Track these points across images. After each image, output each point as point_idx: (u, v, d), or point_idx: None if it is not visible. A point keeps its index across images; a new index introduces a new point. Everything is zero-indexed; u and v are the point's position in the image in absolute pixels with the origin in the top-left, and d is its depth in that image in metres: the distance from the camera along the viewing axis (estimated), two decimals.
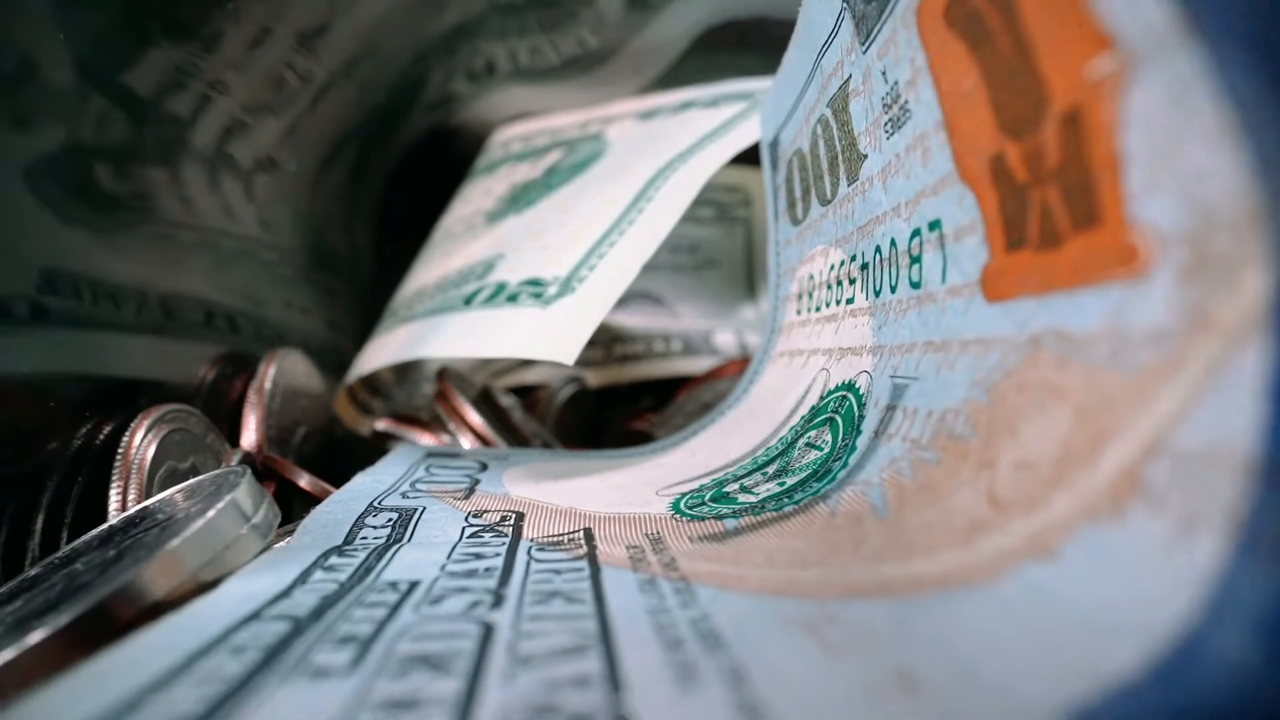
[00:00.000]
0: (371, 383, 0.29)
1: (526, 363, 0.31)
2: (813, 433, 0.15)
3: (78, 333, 0.22)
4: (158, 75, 0.25)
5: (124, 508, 0.17)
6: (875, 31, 0.13)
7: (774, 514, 0.13)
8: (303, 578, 0.11)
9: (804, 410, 0.17)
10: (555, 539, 0.13)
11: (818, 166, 0.17)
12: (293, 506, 0.21)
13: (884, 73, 0.13)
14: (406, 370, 0.32)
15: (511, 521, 0.14)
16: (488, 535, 0.13)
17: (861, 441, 0.13)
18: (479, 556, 0.12)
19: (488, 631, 0.09)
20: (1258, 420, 0.06)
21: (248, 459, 0.20)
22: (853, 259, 0.16)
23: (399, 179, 0.37)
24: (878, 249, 0.14)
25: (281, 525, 0.14)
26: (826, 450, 0.14)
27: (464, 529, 0.14)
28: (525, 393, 0.31)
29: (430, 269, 0.28)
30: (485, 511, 0.15)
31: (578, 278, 0.21)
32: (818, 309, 0.18)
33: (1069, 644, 0.07)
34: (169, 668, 0.08)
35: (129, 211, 0.25)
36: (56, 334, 0.21)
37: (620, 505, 0.15)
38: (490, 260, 0.24)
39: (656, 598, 0.10)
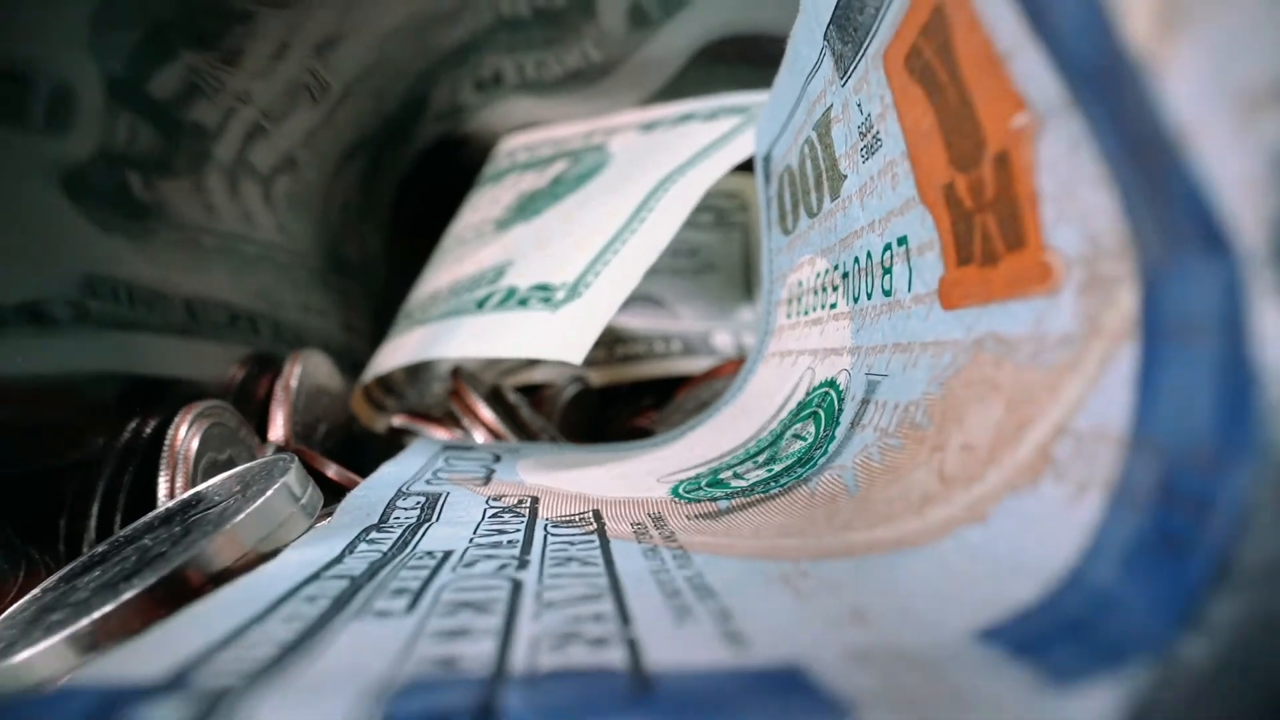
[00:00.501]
0: (385, 382, 0.31)
1: (533, 362, 0.33)
2: (798, 425, 0.17)
3: (118, 334, 0.24)
4: (184, 88, 0.26)
5: (172, 495, 0.19)
6: (851, 69, 0.15)
7: (761, 495, 0.15)
8: (349, 548, 0.13)
9: (792, 405, 0.18)
10: (568, 518, 0.15)
11: (805, 183, 0.19)
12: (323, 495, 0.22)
13: (859, 105, 0.15)
14: (418, 370, 0.33)
15: (528, 504, 0.16)
16: (507, 515, 0.15)
17: (840, 432, 0.15)
18: (501, 532, 0.14)
19: (517, 586, 0.11)
20: (1129, 405, 0.08)
21: (279, 451, 0.22)
22: (835, 268, 0.18)
23: (409, 186, 0.39)
24: (856, 260, 0.16)
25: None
26: (809, 440, 0.16)
27: (485, 510, 0.16)
28: (531, 391, 0.33)
29: (442, 274, 0.30)
30: (503, 496, 0.17)
31: (584, 283, 0.22)
32: (805, 313, 0.20)
33: (986, 585, 0.09)
34: (257, 611, 0.10)
35: (160, 219, 0.26)
36: (99, 335, 0.23)
37: (624, 491, 0.17)
38: (501, 266, 0.26)
39: (658, 561, 0.12)
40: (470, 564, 0.12)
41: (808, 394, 0.18)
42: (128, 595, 0.12)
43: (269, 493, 0.14)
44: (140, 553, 0.14)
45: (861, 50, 0.14)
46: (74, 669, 0.12)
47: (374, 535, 0.14)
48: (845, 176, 0.16)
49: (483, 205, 0.33)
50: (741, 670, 0.07)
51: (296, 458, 0.15)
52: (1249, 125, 0.06)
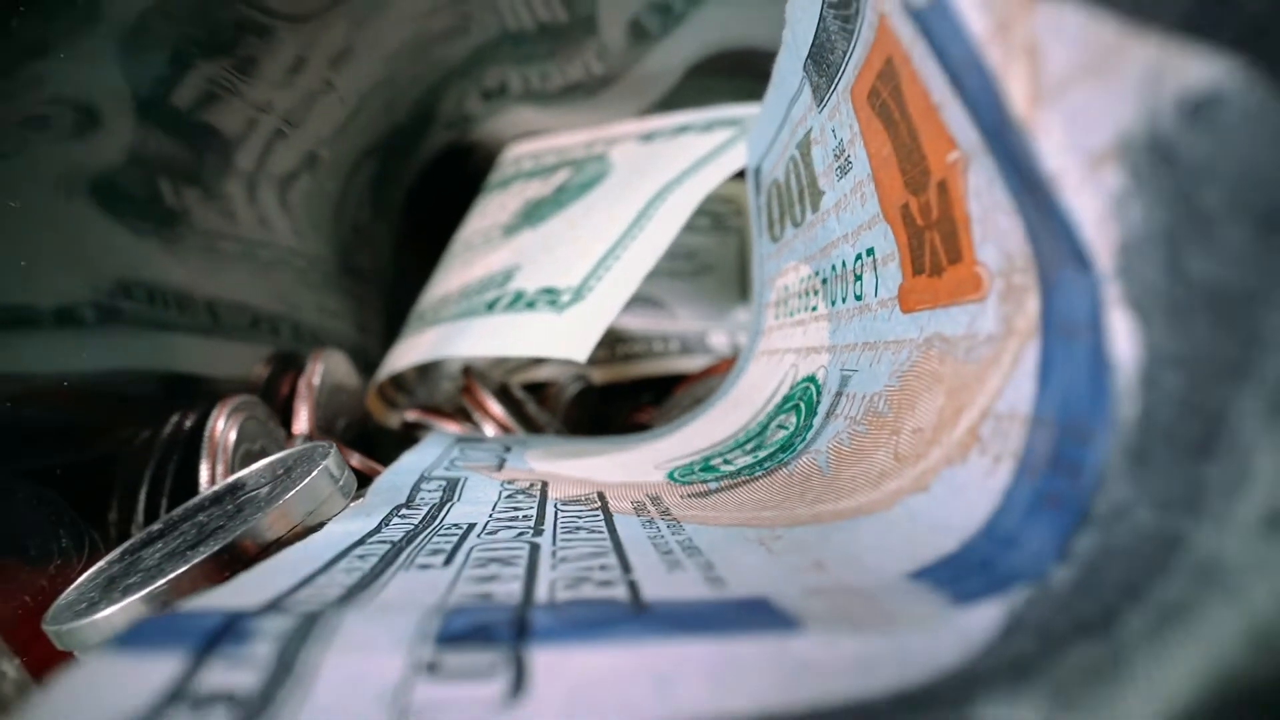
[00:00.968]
0: (398, 380, 0.33)
1: (538, 361, 0.35)
2: (782, 416, 0.19)
3: (154, 334, 0.26)
4: (208, 100, 0.29)
5: (213, 481, 0.21)
6: (826, 99, 0.17)
7: (747, 478, 0.17)
8: (385, 521, 0.15)
9: (777, 399, 0.21)
10: (575, 498, 0.17)
11: (790, 195, 0.21)
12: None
13: (833, 130, 0.17)
14: (428, 369, 0.36)
15: (539, 487, 0.18)
16: (521, 496, 0.17)
17: (817, 421, 0.17)
18: (516, 509, 0.16)
19: (534, 547, 0.13)
20: (1032, 392, 0.10)
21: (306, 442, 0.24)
22: (816, 274, 0.20)
23: (418, 191, 0.41)
24: (833, 267, 0.18)
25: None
26: (791, 430, 0.18)
27: (501, 492, 0.18)
28: (537, 389, 0.35)
29: (452, 277, 0.32)
30: (516, 480, 0.19)
31: (588, 287, 0.25)
32: (791, 314, 0.22)
33: (921, 539, 0.11)
34: (318, 566, 0.12)
35: (188, 225, 0.29)
36: (137, 335, 0.25)
37: (625, 476, 0.19)
38: (509, 270, 0.28)
39: (654, 530, 0.14)
40: (493, 532, 0.14)
41: (791, 388, 0.20)
42: (196, 560, 0.14)
43: (313, 474, 0.16)
44: (198, 528, 0.16)
45: (834, 84, 0.16)
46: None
47: (404, 512, 0.16)
48: (823, 192, 0.18)
49: (490, 211, 0.35)
50: (719, 600, 0.10)
51: (334, 445, 0.17)
52: (1095, 175, 0.08)
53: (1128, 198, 0.08)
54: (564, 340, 0.23)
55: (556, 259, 0.27)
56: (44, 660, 0.16)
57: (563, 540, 0.13)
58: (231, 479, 0.19)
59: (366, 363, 0.35)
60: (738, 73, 0.36)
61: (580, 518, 0.15)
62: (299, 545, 0.13)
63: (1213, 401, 0.07)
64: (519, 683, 0.08)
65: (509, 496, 0.17)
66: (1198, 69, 0.07)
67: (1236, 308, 0.07)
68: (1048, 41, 0.08)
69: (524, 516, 0.15)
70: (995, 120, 0.09)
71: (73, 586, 0.17)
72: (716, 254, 0.41)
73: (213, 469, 0.21)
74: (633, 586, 0.10)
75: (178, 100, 0.27)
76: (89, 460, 0.22)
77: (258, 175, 0.32)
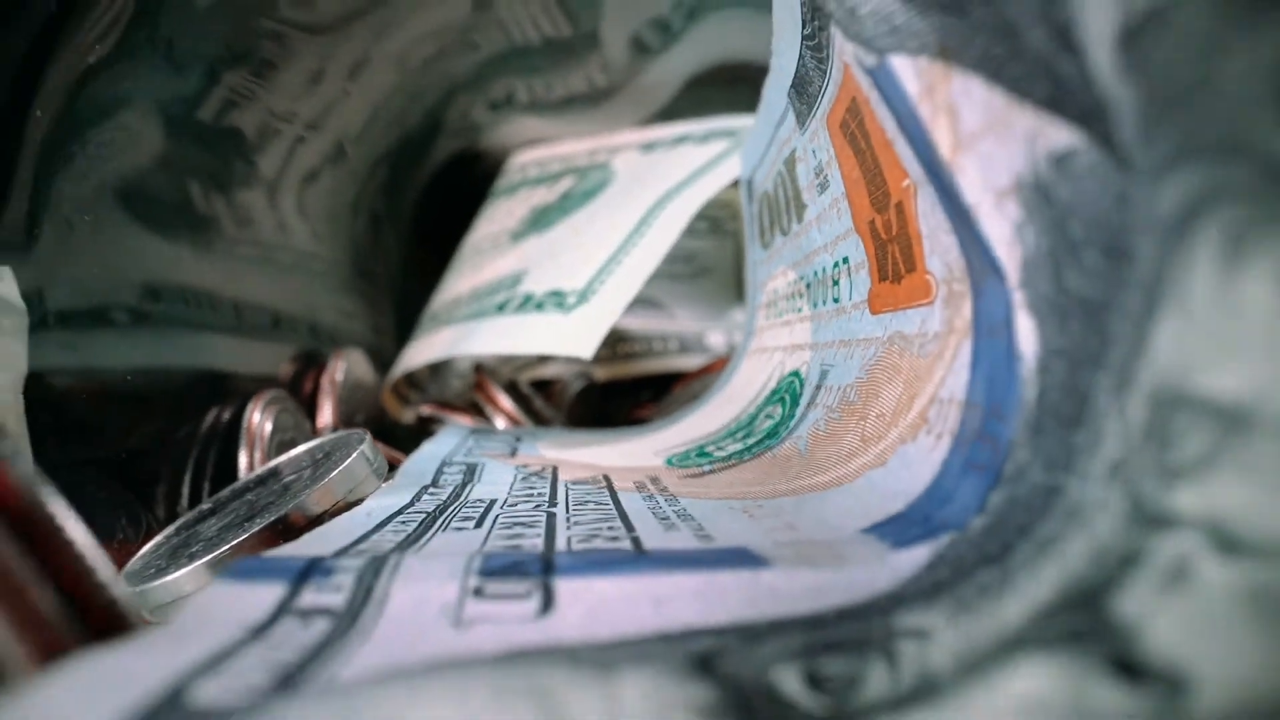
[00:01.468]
0: (411, 378, 0.36)
1: (544, 359, 0.38)
2: (770, 407, 0.22)
3: (190, 333, 0.28)
4: (236, 111, 0.31)
5: (251, 467, 0.23)
6: (807, 123, 0.19)
7: (736, 461, 0.19)
8: (416, 497, 0.17)
9: (766, 392, 0.23)
10: (583, 479, 0.19)
11: (778, 207, 0.24)
12: None
13: (814, 152, 0.19)
14: (439, 367, 0.38)
15: (550, 471, 0.20)
16: (534, 478, 0.20)
17: (799, 411, 0.20)
18: (531, 488, 0.18)
19: (550, 516, 0.15)
20: (966, 380, 0.13)
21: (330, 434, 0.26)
22: (801, 279, 0.22)
23: (427, 197, 0.43)
24: (815, 273, 0.21)
25: None
26: (777, 419, 0.21)
27: (515, 474, 0.20)
28: (543, 386, 0.38)
29: (463, 280, 0.35)
30: (528, 465, 0.21)
31: (592, 290, 0.27)
32: (779, 315, 0.24)
33: (877, 504, 0.13)
34: (366, 530, 0.14)
35: (215, 230, 0.31)
36: (173, 334, 0.28)
37: (628, 462, 0.22)
38: (517, 274, 0.31)
39: (654, 503, 0.16)
40: (513, 505, 0.16)
41: (778, 383, 0.22)
42: (254, 530, 0.17)
43: (351, 457, 0.18)
44: (248, 505, 0.19)
45: (813, 111, 0.18)
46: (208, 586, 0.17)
47: (431, 490, 0.18)
48: (806, 205, 0.21)
49: (497, 217, 0.38)
50: (706, 549, 0.12)
51: (368, 432, 0.20)
52: (1001, 207, 0.11)
53: (1024, 225, 0.10)
54: (570, 339, 0.25)
55: (563, 263, 0.29)
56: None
57: (574, 510, 0.16)
58: (271, 464, 0.21)
59: (380, 361, 0.37)
60: (733, 84, 0.38)
61: (588, 495, 0.17)
62: (346, 515, 0.16)
63: (1082, 384, 0.10)
64: (547, 603, 0.10)
65: (524, 479, 0.20)
66: (1058, 133, 0.09)
67: (1096, 313, 0.09)
68: (961, 104, 0.10)
69: (539, 494, 0.18)
70: (930, 159, 0.12)
71: (137, 557, 0.19)
72: (714, 257, 0.43)
73: (251, 456, 0.23)
74: (635, 541, 0.13)
75: (205, 111, 0.30)
76: (137, 450, 0.24)
77: (279, 182, 0.35)
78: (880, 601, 0.10)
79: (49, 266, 0.19)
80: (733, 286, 0.43)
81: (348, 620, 0.10)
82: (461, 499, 0.17)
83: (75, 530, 0.09)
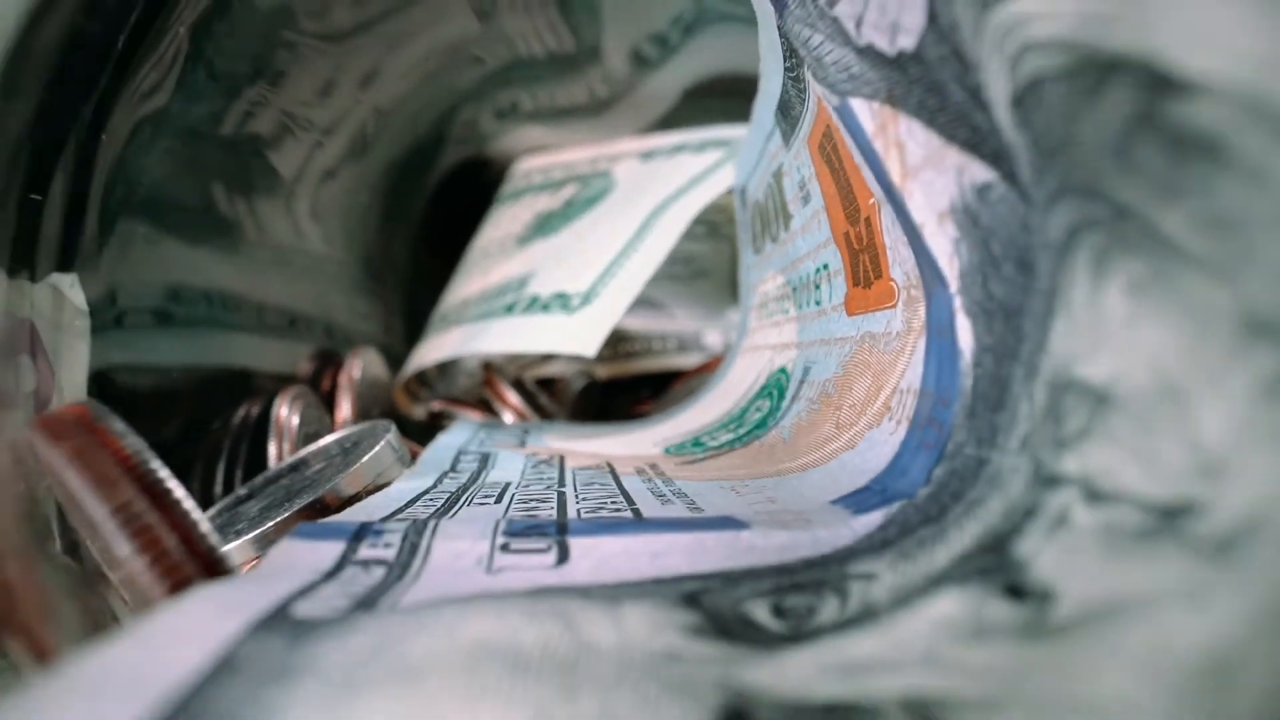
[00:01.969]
0: (420, 376, 0.38)
1: (548, 358, 0.40)
2: (759, 401, 0.24)
3: (212, 332, 0.30)
4: (256, 121, 0.33)
5: (280, 457, 0.25)
6: (791, 141, 0.21)
7: (727, 449, 0.22)
8: (438, 481, 0.20)
9: (756, 388, 0.25)
10: (588, 466, 0.22)
11: (769, 215, 0.26)
12: None
13: (797, 168, 0.22)
14: (447, 366, 0.40)
15: (557, 459, 0.23)
16: (543, 465, 0.22)
17: (785, 404, 0.22)
18: (541, 473, 0.21)
19: (561, 494, 0.17)
20: (920, 372, 0.15)
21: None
22: (788, 283, 0.24)
23: (435, 202, 0.46)
24: (801, 278, 0.23)
25: None
26: (765, 412, 0.23)
27: (526, 461, 0.22)
28: (547, 384, 0.40)
29: (472, 282, 0.37)
30: (537, 453, 0.23)
31: (595, 292, 0.29)
32: (770, 316, 0.27)
33: (845, 480, 0.15)
34: (401, 504, 0.16)
35: (236, 235, 0.33)
36: (197, 333, 0.30)
37: (628, 451, 0.24)
38: (524, 277, 0.33)
39: (653, 484, 0.18)
40: (526, 486, 0.19)
41: (768, 379, 0.25)
42: (294, 509, 0.19)
43: (378, 446, 0.20)
44: (284, 490, 0.21)
45: (796, 132, 0.21)
46: (256, 560, 0.19)
47: (451, 475, 0.21)
48: (792, 216, 0.23)
49: (503, 222, 0.40)
50: (697, 517, 0.14)
51: (393, 423, 0.22)
52: (942, 227, 0.13)
53: (960, 242, 0.13)
54: (575, 339, 0.27)
55: (567, 267, 0.31)
56: None
57: (582, 490, 0.18)
58: (302, 453, 0.24)
59: (391, 360, 0.40)
60: (728, 94, 0.40)
61: (594, 478, 0.20)
62: (379, 494, 0.18)
63: (1003, 375, 0.12)
64: (563, 556, 0.12)
65: (534, 466, 0.22)
66: (978, 169, 0.11)
67: (1012, 316, 0.12)
68: (906, 141, 0.13)
69: (549, 478, 0.20)
70: (886, 184, 0.14)
71: None
72: (711, 260, 0.45)
73: (280, 447, 0.25)
74: (636, 511, 0.15)
75: (229, 121, 0.32)
76: (167, 442, 0.26)
77: (295, 188, 0.37)
78: (839, 554, 0.12)
79: (113, 272, 0.21)
80: (728, 288, 0.45)
81: (399, 569, 0.12)
82: (479, 482, 0.20)
83: (178, 488, 0.11)
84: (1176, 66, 0.07)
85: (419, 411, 0.37)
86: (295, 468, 0.23)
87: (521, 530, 0.13)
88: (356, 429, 0.23)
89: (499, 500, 0.17)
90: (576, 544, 0.12)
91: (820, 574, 0.11)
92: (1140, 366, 0.09)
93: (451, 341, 0.33)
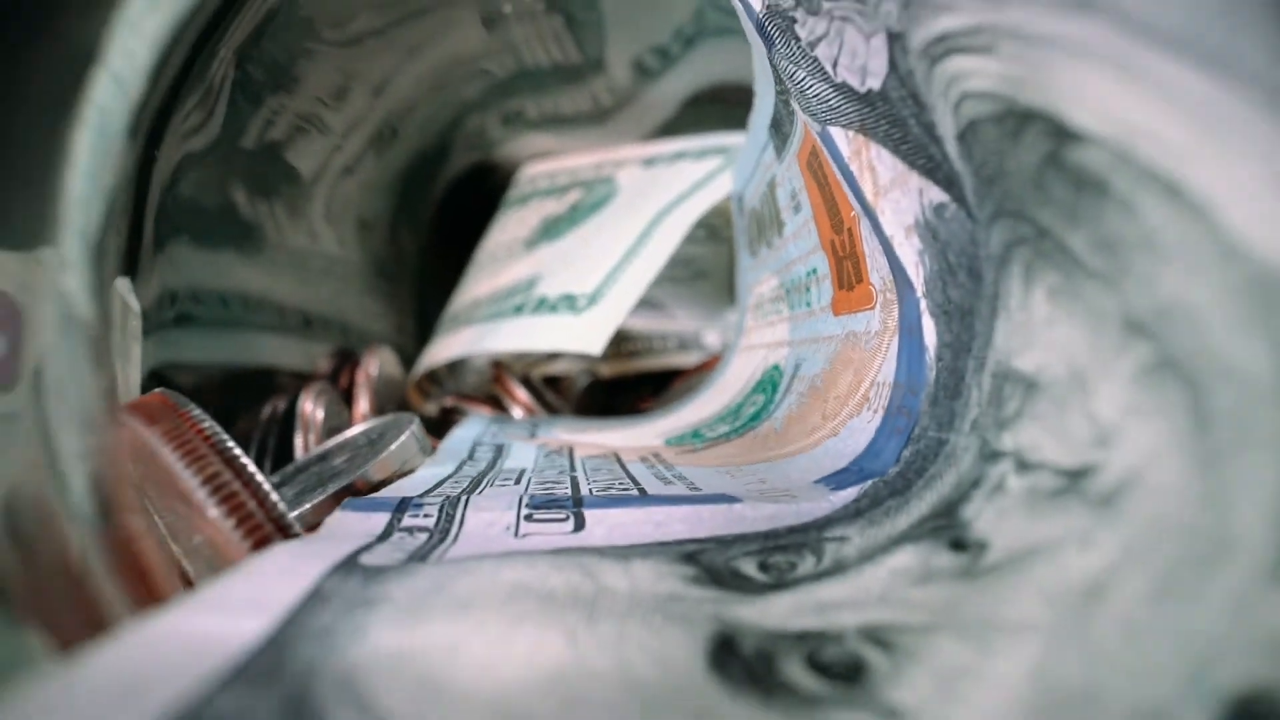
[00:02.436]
0: (431, 374, 0.40)
1: (553, 357, 0.42)
2: (754, 396, 0.26)
3: (240, 332, 0.33)
4: (275, 128, 0.35)
5: (306, 449, 0.27)
6: (783, 156, 0.24)
7: (724, 439, 0.24)
8: (460, 467, 0.22)
9: (752, 384, 0.27)
10: (595, 455, 0.24)
11: (763, 222, 0.28)
12: None
13: (789, 179, 0.24)
14: (456, 365, 0.42)
15: (567, 449, 0.25)
16: (554, 455, 0.24)
17: (777, 398, 0.24)
18: (553, 461, 0.23)
19: (573, 478, 0.19)
20: (894, 367, 0.17)
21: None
22: (781, 285, 0.26)
23: (444, 206, 0.48)
24: (793, 280, 0.25)
25: None
26: (759, 406, 0.25)
27: (538, 451, 0.24)
28: (552, 382, 0.42)
29: (481, 284, 0.39)
30: (547, 444, 0.26)
31: (601, 294, 0.31)
32: (765, 317, 0.29)
33: (828, 463, 0.18)
34: (430, 485, 0.18)
35: (255, 239, 0.35)
36: (225, 333, 0.32)
37: (633, 442, 0.26)
38: (532, 279, 0.35)
39: (656, 470, 0.20)
40: (541, 471, 0.21)
41: (762, 375, 0.27)
42: (330, 492, 0.21)
43: (403, 436, 0.23)
44: (315, 477, 0.23)
45: (787, 147, 0.23)
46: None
47: (470, 463, 0.23)
48: (785, 223, 0.25)
49: (510, 226, 0.42)
50: (695, 494, 0.16)
51: (416, 416, 0.24)
52: (908, 240, 0.15)
53: (922, 253, 0.15)
54: (582, 338, 0.30)
55: (573, 270, 0.34)
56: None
57: (591, 474, 0.20)
58: (329, 444, 0.26)
59: (403, 358, 0.42)
60: (726, 103, 0.42)
61: (601, 464, 0.22)
62: (406, 479, 0.20)
63: (959, 367, 0.14)
64: (579, 524, 0.14)
65: (546, 455, 0.24)
66: (935, 191, 0.13)
67: (966, 316, 0.14)
68: (877, 164, 0.15)
69: (560, 465, 0.22)
70: (862, 201, 0.16)
71: None
72: (711, 262, 0.47)
73: (305, 439, 0.27)
74: (641, 490, 0.17)
75: (252, 131, 0.34)
76: None
77: (312, 189, 0.39)
78: (817, 523, 0.14)
79: (163, 278, 0.23)
80: (727, 289, 0.47)
81: (439, 535, 0.14)
82: (496, 468, 0.22)
83: (250, 463, 0.13)
84: (1071, 120, 0.09)
85: (430, 407, 0.39)
86: (323, 458, 0.25)
87: (542, 504, 0.15)
88: (380, 422, 0.25)
89: (518, 482, 0.19)
90: (590, 515, 0.15)
91: (801, 538, 0.13)
92: (1057, 359, 0.11)
93: (463, 340, 0.35)
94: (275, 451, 0.28)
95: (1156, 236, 0.09)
